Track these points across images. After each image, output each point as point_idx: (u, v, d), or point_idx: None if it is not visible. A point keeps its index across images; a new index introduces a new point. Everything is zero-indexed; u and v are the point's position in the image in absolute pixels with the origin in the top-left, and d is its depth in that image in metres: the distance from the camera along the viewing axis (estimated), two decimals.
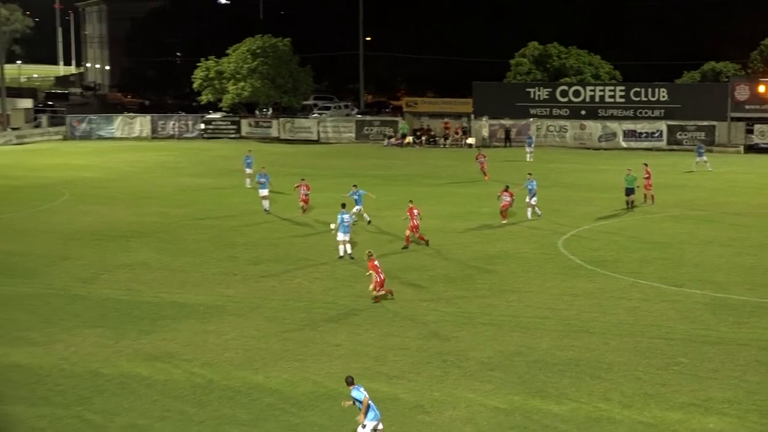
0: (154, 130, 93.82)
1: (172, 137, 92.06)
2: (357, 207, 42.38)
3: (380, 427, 19.36)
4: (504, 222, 42.98)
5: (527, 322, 28.15)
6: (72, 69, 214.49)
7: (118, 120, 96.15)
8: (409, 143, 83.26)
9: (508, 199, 43.10)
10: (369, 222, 42.88)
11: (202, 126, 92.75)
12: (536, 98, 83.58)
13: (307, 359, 25.02)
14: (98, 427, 20.68)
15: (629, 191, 46.74)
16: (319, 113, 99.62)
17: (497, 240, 40.26)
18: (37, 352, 25.82)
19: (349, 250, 36.48)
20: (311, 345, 26.20)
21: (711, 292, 31.49)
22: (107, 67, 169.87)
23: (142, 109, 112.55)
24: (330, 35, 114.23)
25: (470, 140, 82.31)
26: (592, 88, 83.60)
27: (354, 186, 43.20)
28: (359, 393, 19.27)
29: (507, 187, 43.72)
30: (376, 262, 30.08)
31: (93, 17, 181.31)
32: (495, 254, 37.48)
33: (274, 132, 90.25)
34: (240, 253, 37.74)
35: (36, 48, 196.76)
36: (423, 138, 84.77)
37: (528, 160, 69.06)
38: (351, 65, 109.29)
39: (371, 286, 30.15)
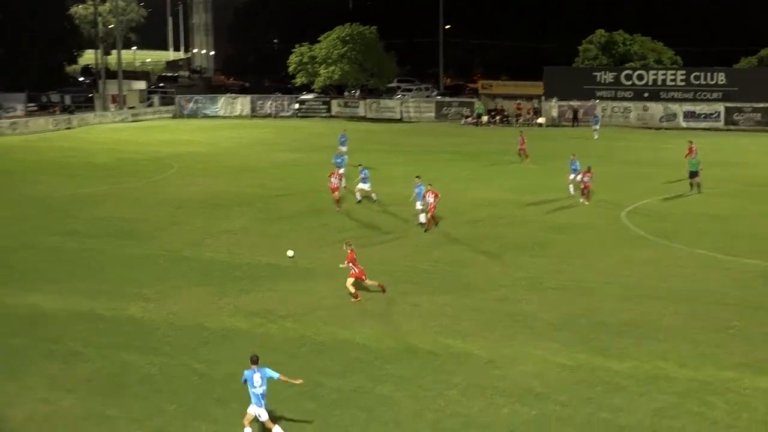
0: (253, 110, 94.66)
1: (269, 116, 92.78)
2: (362, 184, 41.38)
3: (263, 417, 17.18)
4: (585, 202, 41.34)
5: (591, 287, 27.89)
6: (181, 54, 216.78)
7: (222, 100, 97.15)
8: (484, 123, 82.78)
9: (588, 179, 41.47)
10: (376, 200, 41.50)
11: (297, 106, 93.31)
12: (602, 81, 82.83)
13: (390, 317, 25.12)
14: (203, 375, 21.03)
15: (693, 174, 44.96)
16: (402, 95, 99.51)
17: (564, 212, 39.89)
18: (149, 307, 26.32)
19: (423, 219, 36.38)
20: (393, 305, 26.29)
21: (764, 262, 30.85)
22: (212, 53, 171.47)
23: (242, 91, 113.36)
24: (412, 23, 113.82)
25: (540, 120, 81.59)
26: (654, 72, 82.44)
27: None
28: (259, 373, 17.14)
29: (589, 168, 42.11)
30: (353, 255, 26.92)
31: (200, 7, 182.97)
32: (562, 225, 37.14)
33: (361, 111, 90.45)
34: (330, 221, 37.95)
35: (149, 35, 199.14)
36: (497, 118, 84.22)
37: (594, 138, 68.24)
38: (431, 51, 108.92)
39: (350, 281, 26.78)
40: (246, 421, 17.37)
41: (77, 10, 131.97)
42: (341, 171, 44.14)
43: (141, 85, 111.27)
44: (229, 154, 62.00)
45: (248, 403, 17.57)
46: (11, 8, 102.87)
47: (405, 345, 22.82)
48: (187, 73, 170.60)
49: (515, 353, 22.14)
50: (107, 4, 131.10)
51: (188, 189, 46.52)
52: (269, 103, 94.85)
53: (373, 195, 41.76)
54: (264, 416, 17.13)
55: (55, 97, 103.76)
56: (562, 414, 18.81)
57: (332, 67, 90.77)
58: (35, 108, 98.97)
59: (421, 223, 36.29)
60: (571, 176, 43.38)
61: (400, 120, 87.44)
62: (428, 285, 28.31)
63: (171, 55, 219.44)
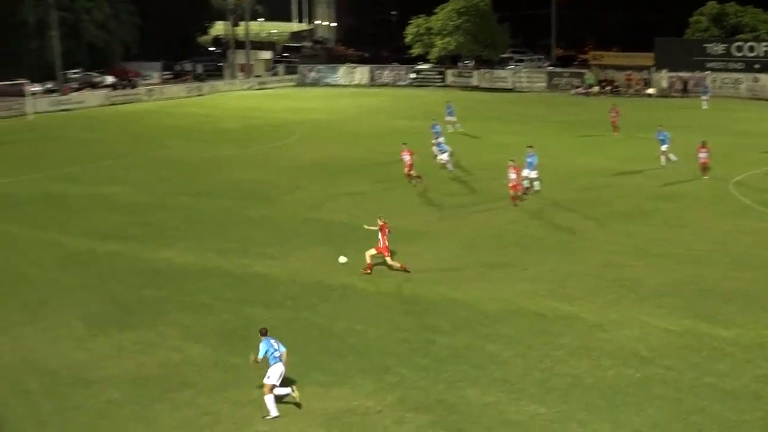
0: (372, 79, 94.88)
1: (386, 85, 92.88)
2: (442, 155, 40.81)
3: (284, 391, 17.21)
4: (705, 177, 39.04)
5: (698, 255, 27.17)
6: (304, 26, 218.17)
7: (342, 69, 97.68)
8: (594, 93, 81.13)
9: (704, 154, 39.51)
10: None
11: (413, 75, 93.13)
12: (712, 53, 79.99)
13: (498, 279, 24.99)
14: (322, 329, 21.33)
15: None
16: (514, 65, 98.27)
17: (671, 181, 38.82)
18: (273, 264, 26.78)
19: (537, 187, 35.98)
20: (501, 268, 26.14)
21: None
22: (334, 24, 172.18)
23: (362, 61, 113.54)
24: None
25: (650, 90, 79.45)
26: (766, 44, 79.16)
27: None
28: (264, 345, 17.24)
29: (704, 143, 40.09)
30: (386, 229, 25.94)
31: None
32: (669, 193, 36.22)
33: (474, 81, 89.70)
34: (441, 187, 37.85)
35: (275, 7, 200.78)
36: (608, 88, 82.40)
37: (704, 107, 66.23)
38: (544, 22, 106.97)
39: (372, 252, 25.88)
40: (277, 385, 17.10)
41: None
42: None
43: (267, 54, 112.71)
44: (348, 121, 62.35)
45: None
46: None
47: (513, 306, 22.69)
48: (310, 44, 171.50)
49: (621, 317, 21.77)
50: None
51: (309, 154, 46.99)
52: (387, 72, 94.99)
53: (449, 166, 41.18)
54: (280, 378, 17.21)
55: (188, 66, 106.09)
56: (667, 377, 18.45)
57: (447, 39, 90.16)
58: (170, 76, 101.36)
59: (525, 189, 35.69)
60: (662, 147, 42.16)
61: (512, 90, 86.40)
62: (536, 250, 28.03)
63: (295, 26, 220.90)
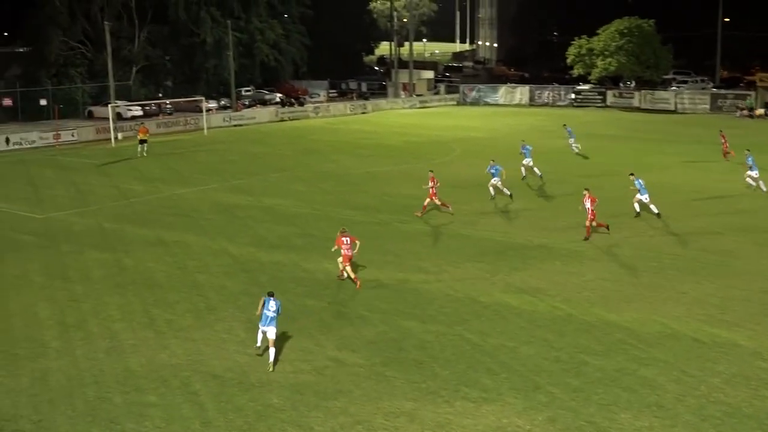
0: (531, 99, 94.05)
1: (546, 105, 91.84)
2: (494, 179, 38.54)
3: (269, 334, 20.07)
4: None
5: None
6: (466, 46, 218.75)
7: (502, 89, 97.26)
8: (760, 115, 77.72)
9: None
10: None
11: (573, 96, 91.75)
12: None
13: (655, 302, 24.20)
14: (474, 345, 21.17)
15: None
16: (676, 86, 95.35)
17: None
18: (428, 278, 26.82)
19: (655, 210, 34.47)
20: (659, 290, 25.30)
21: None
22: (495, 45, 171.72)
23: (522, 81, 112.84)
24: (691, 16, 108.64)
25: None
26: None
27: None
28: (274, 302, 20.23)
29: None
30: (344, 239, 26.14)
31: (485, 2, 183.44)
32: None
33: (635, 102, 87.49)
34: (611, 209, 36.78)
35: (438, 28, 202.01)
36: None
37: None
38: (709, 43, 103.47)
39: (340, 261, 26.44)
40: (260, 341, 20.52)
41: (375, 5, 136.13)
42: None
43: (429, 74, 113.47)
44: (506, 140, 61.85)
45: (519, 382, 17.49)
46: (322, 5, 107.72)
47: (669, 330, 21.91)
48: (471, 64, 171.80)
49: None
50: (402, 0, 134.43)
51: (468, 171, 46.91)
52: (546, 92, 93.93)
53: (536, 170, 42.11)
54: (271, 335, 20.09)
55: (352, 85, 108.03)
56: None
57: (609, 59, 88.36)
58: (335, 94, 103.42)
59: (656, 214, 34.44)
60: (749, 172, 39.96)
61: (674, 111, 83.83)
62: (695, 273, 27.01)
63: (457, 46, 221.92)
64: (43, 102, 75.99)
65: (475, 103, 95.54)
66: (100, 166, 51.81)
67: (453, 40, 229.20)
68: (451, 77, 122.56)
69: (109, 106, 66.63)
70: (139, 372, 19.82)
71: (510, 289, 25.47)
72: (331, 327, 22.58)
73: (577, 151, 52.84)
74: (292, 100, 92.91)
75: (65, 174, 48.84)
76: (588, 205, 31.35)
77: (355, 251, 26.26)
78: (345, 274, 26.39)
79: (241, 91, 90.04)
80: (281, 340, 21.50)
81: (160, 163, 52.31)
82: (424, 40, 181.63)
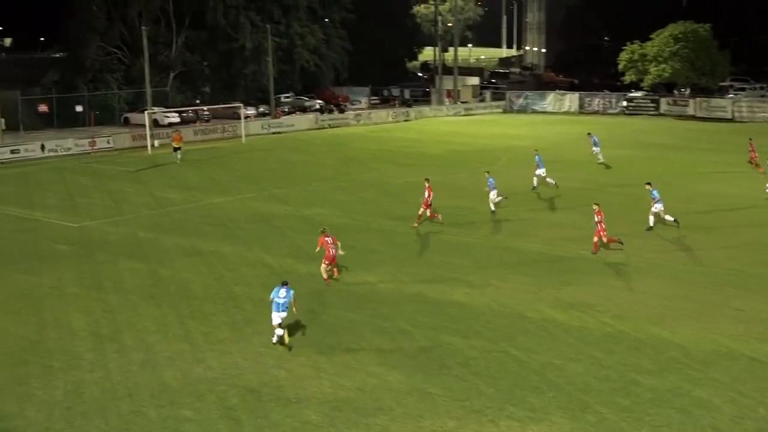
0: (581, 106, 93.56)
1: (596, 113, 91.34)
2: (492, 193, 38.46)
3: (278, 321, 22.18)
4: None
5: None
6: (513, 51, 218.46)
7: (550, 96, 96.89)
8: None
9: None
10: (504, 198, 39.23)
11: (624, 103, 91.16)
12: None
13: (710, 319, 23.90)
14: (521, 362, 21.06)
15: None
16: (734, 94, 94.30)
17: None
18: (472, 292, 26.75)
19: (670, 218, 34.38)
20: (714, 307, 25.00)
21: None
22: (543, 50, 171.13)
23: (571, 87, 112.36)
24: (750, 21, 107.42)
25: None
26: None
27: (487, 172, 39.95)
28: (285, 290, 22.43)
29: None
30: (327, 238, 27.79)
31: (534, 6, 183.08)
32: None
33: (690, 110, 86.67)
34: (644, 217, 36.52)
35: (484, 33, 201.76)
36: None
37: None
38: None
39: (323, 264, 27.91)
40: (275, 324, 22.20)
41: (419, 9, 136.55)
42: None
43: (474, 80, 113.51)
44: (555, 149, 61.52)
45: (567, 401, 17.37)
46: (364, 9, 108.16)
47: (725, 349, 21.63)
48: (518, 70, 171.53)
49: None
50: (447, 4, 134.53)
51: (514, 181, 46.70)
52: (597, 100, 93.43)
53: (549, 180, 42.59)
54: (279, 320, 22.20)
55: (395, 91, 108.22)
56: None
57: (663, 65, 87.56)
58: (377, 101, 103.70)
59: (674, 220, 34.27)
60: None
61: (731, 119, 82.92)
62: (754, 289, 26.65)
63: (504, 52, 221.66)
64: (79, 108, 77.11)
65: (522, 110, 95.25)
66: (136, 173, 52.39)
67: (499, 45, 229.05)
68: (498, 84, 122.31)
69: (146, 112, 67.32)
70: (174, 386, 19.97)
71: (558, 304, 25.31)
72: (371, 342, 22.59)
73: (601, 160, 52.70)
74: (333, 107, 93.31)
75: (101, 182, 49.45)
76: (597, 219, 31.16)
77: (339, 251, 27.87)
78: (329, 276, 27.92)
79: (280, 97, 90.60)
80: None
81: (196, 171, 52.79)
82: (470, 45, 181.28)
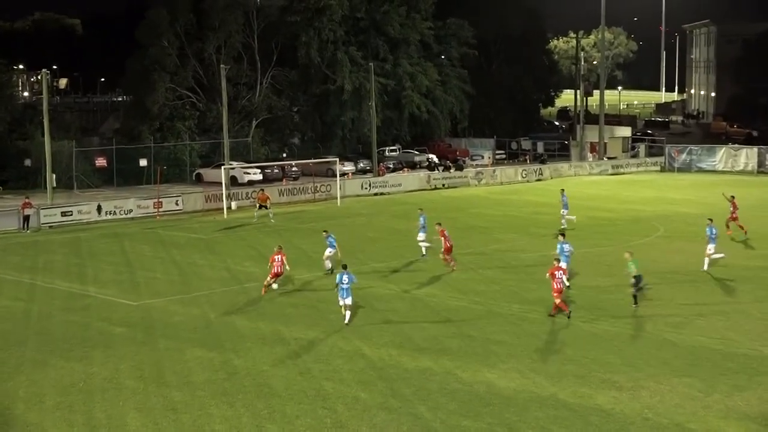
0: (760, 164, 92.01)
1: None
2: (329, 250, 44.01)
3: (347, 302, 34.03)
4: None
5: None
6: (674, 96, 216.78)
7: (722, 151, 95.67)
8: None
9: None
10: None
11: None
12: None
13: None
14: None
15: None
16: None
17: None
18: (620, 396, 26.28)
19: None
20: None
21: None
22: (712, 94, 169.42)
23: (748, 140, 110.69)
24: None
25: None
26: None
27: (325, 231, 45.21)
28: (347, 276, 33.84)
29: None
30: (277, 257, 38.84)
31: (700, 40, 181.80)
32: None
33: None
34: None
35: (638, 73, 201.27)
36: None
37: None
38: None
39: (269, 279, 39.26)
40: (343, 308, 33.66)
41: (557, 44, 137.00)
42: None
43: (625, 131, 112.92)
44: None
45: None
46: (489, 44, 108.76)
47: None
48: (680, 118, 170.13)
49: None
50: (592, 37, 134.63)
51: (676, 256, 46.05)
52: None
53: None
54: (348, 302, 34.04)
55: (525, 144, 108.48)
56: None
57: None
58: (503, 155, 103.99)
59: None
60: None
61: None
62: None
63: (662, 96, 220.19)
64: (143, 162, 79.28)
65: (686, 169, 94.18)
66: (209, 241, 53.44)
67: (657, 89, 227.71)
68: (654, 135, 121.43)
69: (222, 168, 68.74)
70: None
71: (730, 415, 24.67)
72: None
73: (564, 224, 54.81)
74: (449, 162, 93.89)
75: (166, 251, 50.56)
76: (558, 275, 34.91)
77: (287, 268, 39.25)
78: (269, 287, 39.05)
79: (384, 151, 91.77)
80: None
81: (281, 239, 53.51)
82: (620, 87, 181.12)
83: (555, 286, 34.76)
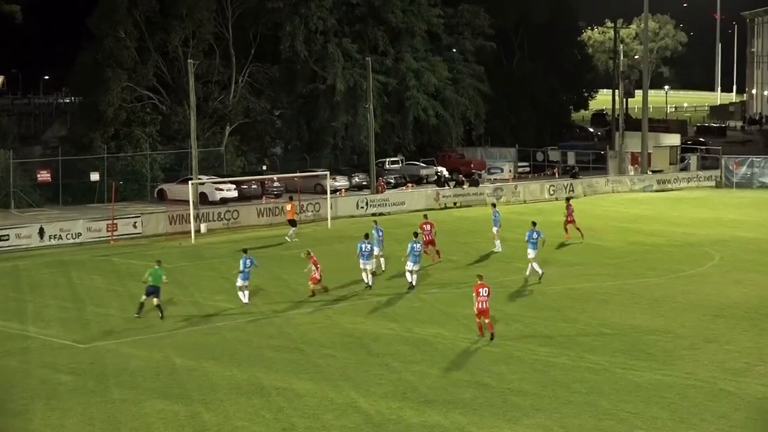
0: None
1: None
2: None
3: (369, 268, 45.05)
4: None
5: None
6: (731, 96, 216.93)
7: None
8: None
9: None
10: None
11: None
12: None
13: None
14: None
15: None
16: None
17: None
18: None
19: None
20: None
21: None
22: None
23: None
24: None
25: None
26: None
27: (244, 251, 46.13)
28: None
29: None
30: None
31: (763, 30, 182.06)
32: None
33: None
34: None
35: (688, 69, 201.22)
36: None
37: None
38: None
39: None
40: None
41: (591, 35, 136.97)
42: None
43: (673, 139, 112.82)
44: None
45: None
46: (510, 35, 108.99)
47: None
48: (739, 124, 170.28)
49: None
50: (632, 27, 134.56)
51: (733, 290, 46.01)
52: None
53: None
54: (371, 267, 46.38)
55: (553, 155, 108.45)
56: None
57: None
58: (526, 168, 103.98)
59: None
60: None
61: None
62: None
63: (718, 97, 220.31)
64: (94, 177, 79.09)
65: (746, 184, 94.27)
66: (173, 271, 53.36)
67: (711, 88, 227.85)
68: (708, 144, 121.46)
69: (190, 183, 68.46)
70: None
71: None
72: None
73: (497, 248, 58.69)
74: (462, 177, 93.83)
75: (122, 283, 50.51)
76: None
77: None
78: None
79: (384, 163, 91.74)
80: None
81: (260, 268, 53.45)
82: (666, 87, 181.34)
83: (478, 306, 37.49)
